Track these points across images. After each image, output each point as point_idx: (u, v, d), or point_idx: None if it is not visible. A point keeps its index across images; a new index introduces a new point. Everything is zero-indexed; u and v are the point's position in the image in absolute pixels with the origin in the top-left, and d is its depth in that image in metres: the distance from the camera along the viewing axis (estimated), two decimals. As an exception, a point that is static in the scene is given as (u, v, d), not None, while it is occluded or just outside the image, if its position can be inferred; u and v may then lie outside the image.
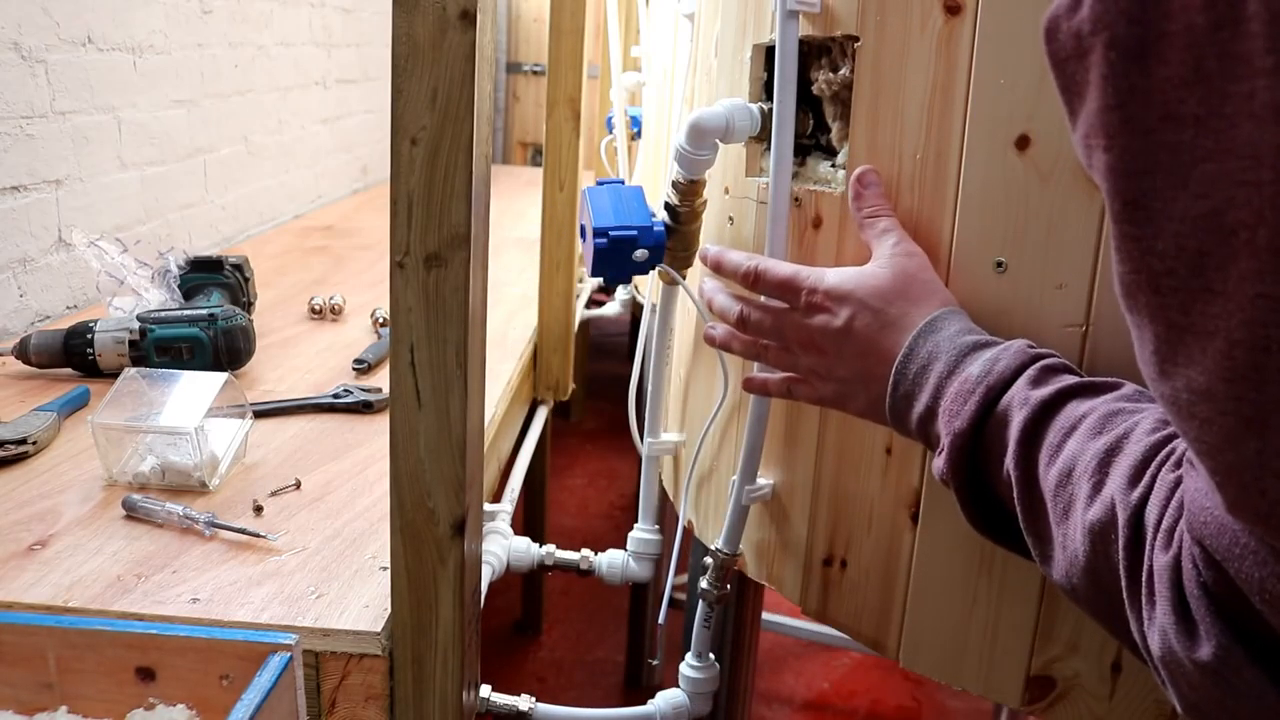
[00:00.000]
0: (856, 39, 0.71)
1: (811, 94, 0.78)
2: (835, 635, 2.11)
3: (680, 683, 0.98)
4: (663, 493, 1.10)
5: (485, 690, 0.92)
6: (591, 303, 2.18)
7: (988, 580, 0.70)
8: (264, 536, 0.82)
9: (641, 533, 1.12)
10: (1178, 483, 0.44)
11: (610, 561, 1.14)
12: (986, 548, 0.71)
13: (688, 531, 0.99)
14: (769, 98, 0.77)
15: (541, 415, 1.58)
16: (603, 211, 0.82)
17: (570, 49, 1.50)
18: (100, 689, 0.64)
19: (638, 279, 1.46)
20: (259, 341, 1.26)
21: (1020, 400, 0.55)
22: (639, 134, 1.67)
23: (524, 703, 0.96)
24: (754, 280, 0.71)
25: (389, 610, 0.72)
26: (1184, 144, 0.33)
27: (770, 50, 0.75)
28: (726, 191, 0.86)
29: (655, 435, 1.03)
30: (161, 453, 0.92)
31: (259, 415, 1.06)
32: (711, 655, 0.98)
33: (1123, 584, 0.46)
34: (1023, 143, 0.64)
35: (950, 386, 0.59)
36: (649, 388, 1.03)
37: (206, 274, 1.32)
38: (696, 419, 0.97)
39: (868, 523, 0.76)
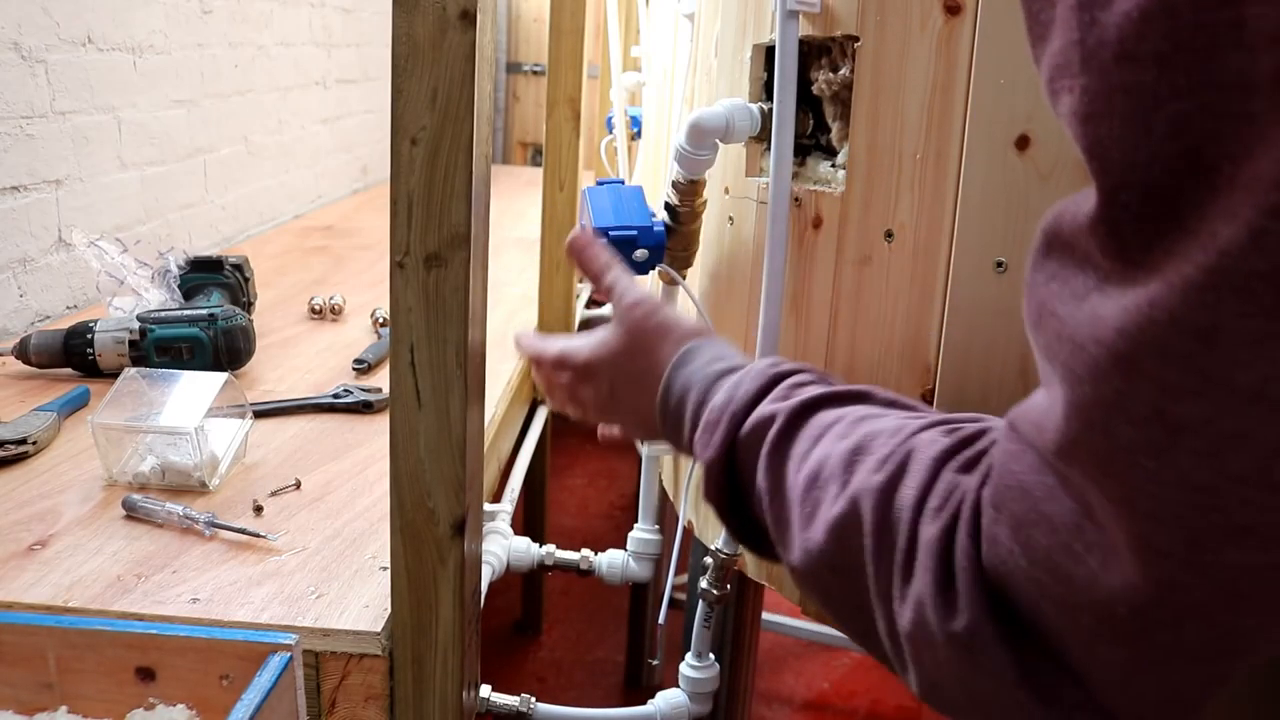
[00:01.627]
0: (856, 39, 0.71)
1: (811, 94, 0.78)
2: (835, 635, 2.11)
3: (680, 683, 0.98)
4: (663, 493, 1.10)
5: (485, 690, 0.92)
6: (591, 303, 2.18)
7: (988, 580, 0.70)
8: (264, 536, 0.82)
9: (641, 533, 1.12)
10: (938, 462, 0.43)
11: (610, 561, 1.14)
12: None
13: (688, 531, 0.99)
14: (769, 98, 0.77)
15: (541, 415, 1.58)
16: (603, 211, 0.82)
17: (570, 49, 1.50)
18: (100, 689, 0.64)
19: (638, 279, 1.46)
20: (259, 341, 1.26)
21: (767, 416, 0.54)
22: (639, 134, 1.67)
23: (524, 703, 0.96)
24: (537, 364, 0.73)
25: (389, 610, 0.72)
26: (1145, 84, 0.29)
27: (770, 50, 0.75)
28: (726, 191, 0.86)
29: (655, 435, 1.03)
30: (161, 453, 0.92)
31: (259, 415, 1.06)
32: (711, 655, 0.98)
33: (869, 570, 0.45)
34: (1023, 143, 0.64)
35: (702, 418, 0.59)
36: (649, 388, 1.03)
37: (206, 274, 1.32)
38: (696, 419, 0.97)
39: (868, 523, 0.76)
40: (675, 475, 1.05)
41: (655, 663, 2.13)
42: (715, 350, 0.63)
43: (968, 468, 0.43)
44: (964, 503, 0.41)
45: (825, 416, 0.52)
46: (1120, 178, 0.31)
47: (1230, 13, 0.27)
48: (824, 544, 0.47)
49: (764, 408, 0.55)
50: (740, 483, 0.56)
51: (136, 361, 1.16)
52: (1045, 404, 0.36)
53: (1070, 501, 0.36)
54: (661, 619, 0.99)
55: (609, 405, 0.68)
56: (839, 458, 0.49)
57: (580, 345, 0.69)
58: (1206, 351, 0.29)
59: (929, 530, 0.42)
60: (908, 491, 0.44)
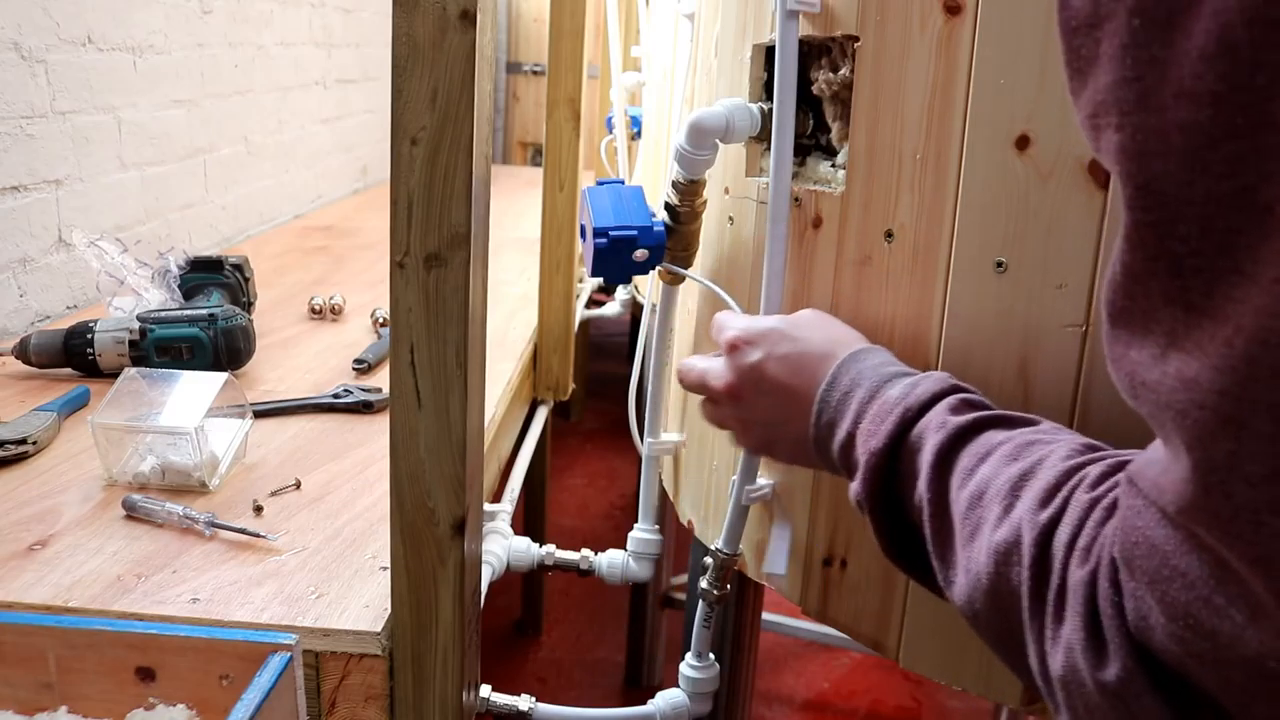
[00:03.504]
0: (856, 39, 0.71)
1: (811, 94, 0.78)
2: (835, 635, 2.11)
3: (680, 683, 0.98)
4: (663, 493, 1.10)
5: (485, 690, 0.92)
6: (591, 303, 2.18)
7: (988, 580, 0.70)
8: (264, 536, 0.82)
9: (641, 533, 1.12)
10: (1093, 503, 0.43)
11: (610, 561, 1.14)
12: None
13: (688, 531, 0.99)
14: (769, 98, 0.77)
15: (541, 415, 1.58)
16: (603, 211, 0.82)
17: (570, 49, 1.50)
18: (100, 689, 0.64)
19: (638, 279, 1.46)
20: (259, 341, 1.26)
21: (937, 424, 0.55)
22: (639, 134, 1.67)
23: (524, 703, 0.96)
24: (689, 371, 0.73)
25: (389, 610, 0.72)
26: (1202, 123, 0.30)
27: (770, 50, 0.75)
28: (726, 191, 0.86)
29: (655, 435, 1.03)
30: (161, 453, 0.92)
31: (259, 415, 1.06)
32: (711, 655, 0.98)
33: (1024, 604, 0.45)
34: (1023, 143, 0.64)
35: (870, 410, 0.59)
36: (649, 388, 1.03)
37: (206, 274, 1.32)
38: (696, 419, 0.97)
39: (867, 523, 0.76)
40: (675, 475, 1.05)
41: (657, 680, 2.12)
42: (888, 356, 0.63)
43: (1112, 511, 0.42)
44: (1105, 550, 0.41)
45: (995, 436, 0.53)
46: (1176, 212, 0.31)
47: None
48: (986, 568, 0.47)
49: (936, 413, 0.55)
50: (899, 483, 0.56)
51: (136, 361, 1.16)
52: (1163, 462, 0.35)
53: (1202, 556, 0.34)
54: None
55: (745, 385, 0.66)
56: (1005, 481, 0.49)
57: (740, 317, 0.68)
58: None
59: (1078, 574, 0.42)
60: (1064, 531, 0.44)
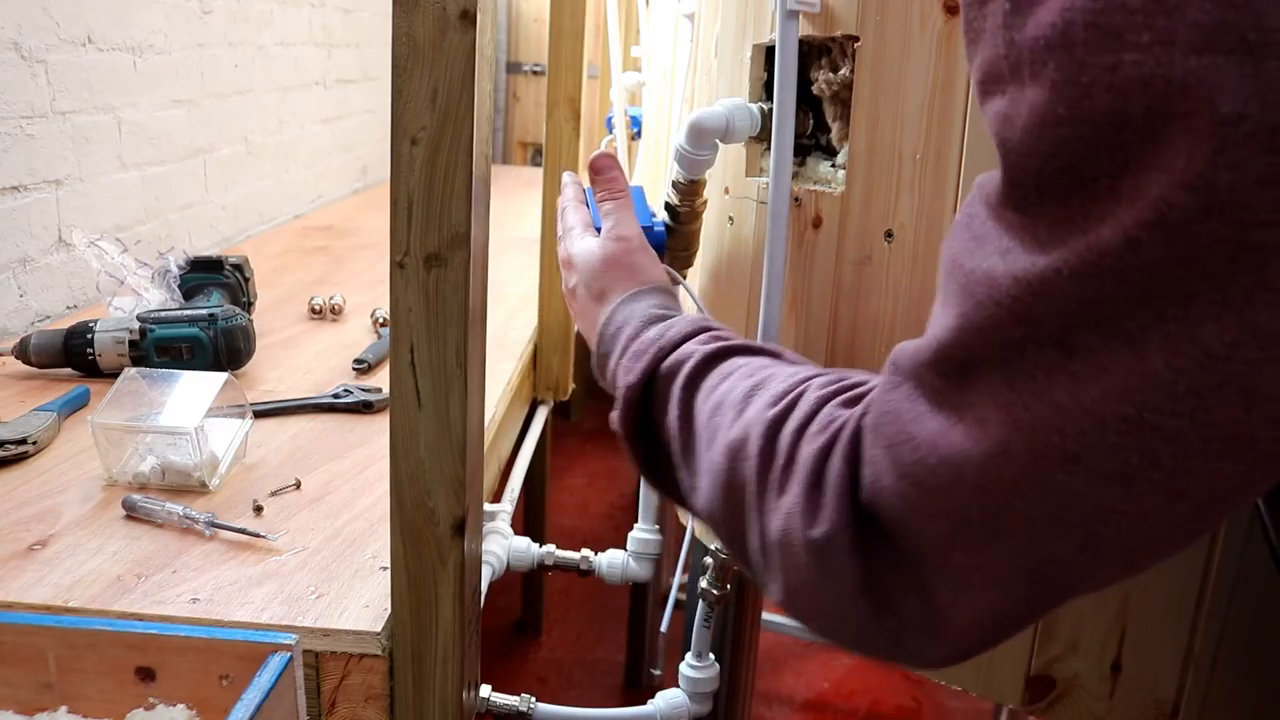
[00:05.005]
0: (856, 39, 0.71)
1: (811, 94, 0.78)
2: (835, 635, 2.10)
3: (680, 683, 0.98)
4: (663, 493, 1.10)
5: (485, 690, 0.92)
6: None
7: (988, 580, 0.70)
8: (264, 536, 0.82)
9: (641, 533, 1.12)
10: (823, 400, 0.49)
11: (610, 561, 1.14)
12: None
13: (689, 532, 0.99)
14: (769, 98, 0.77)
15: (541, 415, 1.58)
16: (603, 211, 0.82)
17: (570, 49, 1.50)
18: (100, 689, 0.64)
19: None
20: (259, 341, 1.26)
21: (687, 354, 0.60)
22: (639, 134, 1.67)
23: (524, 703, 0.96)
24: (561, 212, 0.82)
25: (389, 610, 0.72)
26: (1040, 104, 0.34)
27: (770, 50, 0.75)
28: (726, 191, 0.86)
29: (655, 435, 1.03)
30: (161, 453, 0.92)
31: (259, 415, 1.06)
32: (711, 655, 0.98)
33: (751, 489, 0.49)
34: (1023, 143, 0.64)
35: (630, 348, 0.65)
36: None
37: (206, 274, 1.32)
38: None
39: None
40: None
41: (658, 673, 2.12)
42: (661, 299, 0.70)
43: (850, 403, 0.48)
44: (844, 429, 0.46)
45: (737, 360, 0.58)
46: (1019, 175, 0.36)
47: (1110, 58, 0.31)
48: (720, 465, 0.52)
49: (687, 347, 0.61)
50: (652, 415, 0.61)
51: (136, 361, 1.16)
52: (930, 331, 0.41)
53: (935, 421, 0.40)
54: (664, 626, 0.99)
55: (572, 300, 0.77)
56: (740, 392, 0.54)
57: (576, 240, 0.78)
58: (1086, 313, 0.34)
59: (806, 450, 0.47)
60: (792, 422, 0.48)
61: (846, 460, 0.44)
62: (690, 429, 0.57)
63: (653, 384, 0.61)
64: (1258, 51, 0.29)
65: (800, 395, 0.50)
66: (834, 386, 0.50)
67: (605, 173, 0.79)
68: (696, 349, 0.60)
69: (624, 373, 0.63)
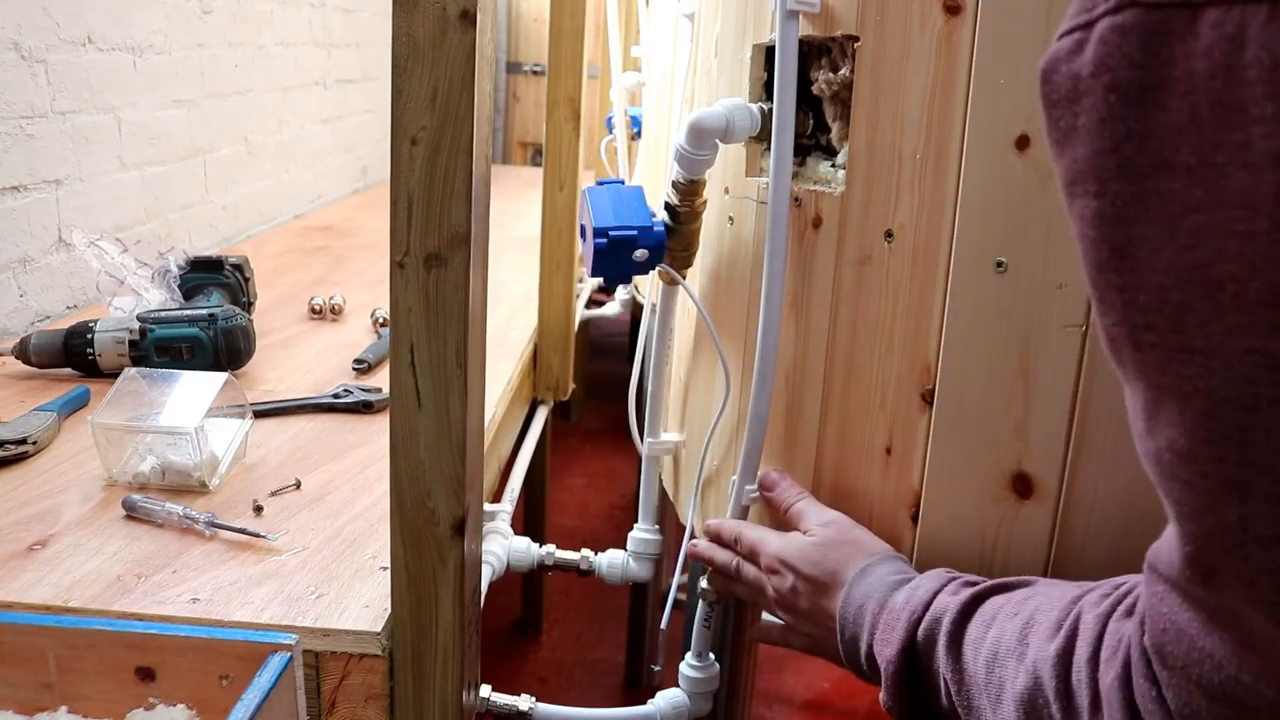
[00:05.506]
0: (856, 39, 0.71)
1: (811, 94, 0.77)
2: (835, 635, 2.11)
3: (680, 682, 0.98)
4: (663, 493, 1.10)
5: (485, 690, 0.92)
6: (591, 303, 2.18)
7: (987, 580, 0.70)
8: (264, 536, 0.82)
9: (641, 533, 1.12)
10: (1103, 617, 0.45)
11: (610, 561, 1.14)
12: (986, 547, 0.70)
13: (689, 531, 0.99)
14: (769, 98, 0.77)
15: (541, 415, 1.58)
16: (603, 211, 0.82)
17: (570, 49, 1.50)
18: (100, 689, 0.64)
19: (638, 279, 1.46)
20: (259, 341, 1.26)
21: (941, 609, 0.58)
22: (639, 134, 1.67)
23: (524, 703, 0.96)
24: (734, 542, 0.79)
25: (389, 610, 0.72)
26: (1175, 193, 0.32)
27: (770, 50, 0.75)
28: (726, 191, 0.86)
29: (655, 435, 1.03)
30: (161, 453, 0.92)
31: (259, 415, 1.06)
32: (711, 655, 0.98)
33: None
34: (1023, 143, 0.64)
35: (881, 619, 0.63)
36: (649, 388, 1.03)
37: (206, 274, 1.32)
38: (696, 419, 0.97)
39: (868, 522, 0.76)
40: (675, 475, 1.05)
41: (658, 668, 2.12)
42: (897, 565, 0.67)
43: (1130, 613, 0.44)
44: (1132, 646, 0.42)
45: (996, 601, 0.55)
46: (1142, 279, 0.33)
47: (1240, 134, 0.30)
48: (1015, 716, 0.49)
49: (939, 603, 0.58)
50: (923, 681, 0.59)
51: (136, 361, 1.16)
52: (1175, 538, 0.37)
53: (1223, 635, 0.36)
54: (664, 624, 0.99)
55: (790, 601, 0.72)
56: (1013, 636, 0.51)
57: (775, 539, 0.74)
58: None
59: (1108, 679, 0.43)
60: (1082, 650, 0.45)
61: (1150, 680, 0.41)
62: (968, 690, 0.54)
63: (914, 652, 0.59)
64: None
65: (1078, 620, 0.47)
66: (1109, 601, 0.47)
67: (776, 488, 0.78)
68: (949, 601, 0.58)
69: (881, 645, 0.61)
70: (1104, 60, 0.33)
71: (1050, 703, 0.46)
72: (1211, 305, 0.31)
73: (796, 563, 0.71)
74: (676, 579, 0.99)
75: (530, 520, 2.16)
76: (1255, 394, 0.31)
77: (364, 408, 1.13)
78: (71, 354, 1.18)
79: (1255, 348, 0.30)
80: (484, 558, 1.03)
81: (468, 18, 0.61)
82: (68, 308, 1.53)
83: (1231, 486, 0.32)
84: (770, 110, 0.75)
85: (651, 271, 0.86)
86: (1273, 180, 0.29)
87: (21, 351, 1.18)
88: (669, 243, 0.85)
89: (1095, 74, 0.33)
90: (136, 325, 1.17)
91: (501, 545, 1.09)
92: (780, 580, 0.72)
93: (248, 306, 1.33)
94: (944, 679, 0.56)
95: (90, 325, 1.18)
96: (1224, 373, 0.31)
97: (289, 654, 0.63)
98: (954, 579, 0.61)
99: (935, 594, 0.60)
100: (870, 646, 0.63)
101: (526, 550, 1.13)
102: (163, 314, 1.19)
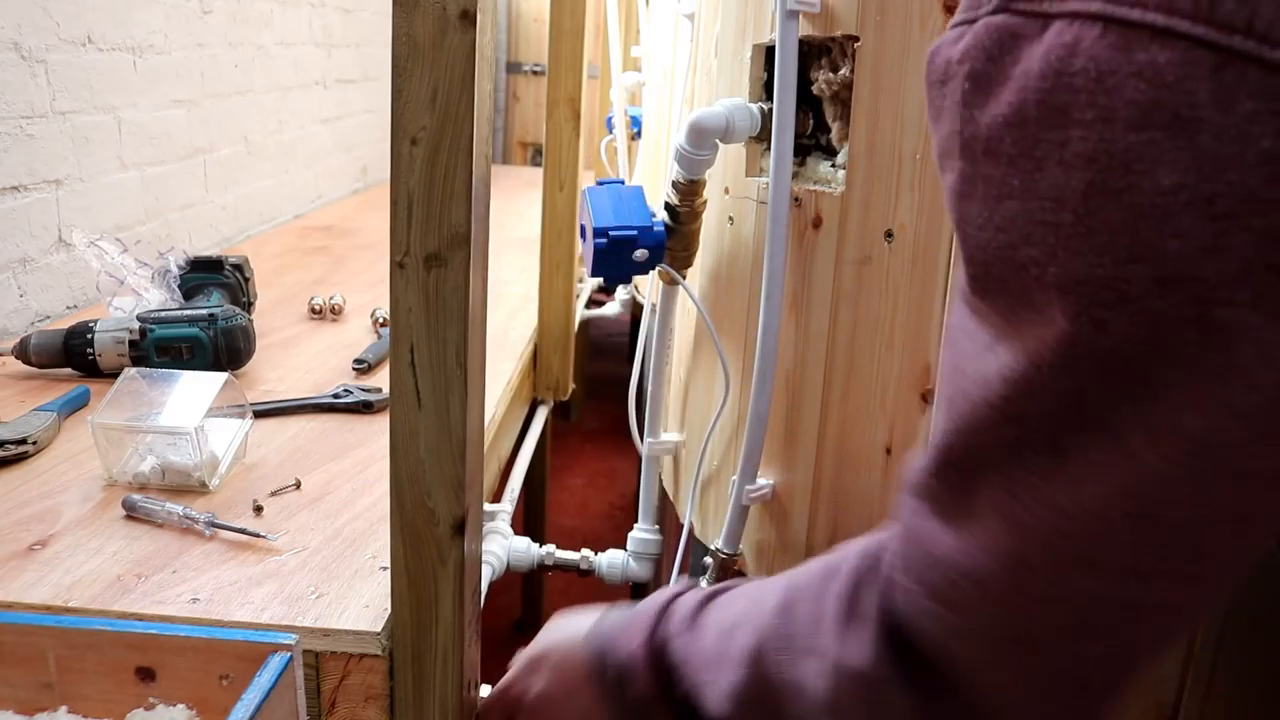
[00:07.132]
0: (856, 39, 0.71)
1: (811, 94, 0.78)
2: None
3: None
4: (663, 492, 1.10)
5: (485, 690, 0.92)
6: (591, 303, 2.18)
7: (988, 580, 0.70)
8: (264, 536, 0.82)
9: (641, 533, 1.12)
10: (856, 568, 0.47)
11: (610, 561, 1.14)
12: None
13: (689, 531, 0.99)
14: (769, 98, 0.77)
15: (541, 415, 1.58)
16: (603, 211, 0.82)
17: (570, 49, 1.50)
18: (100, 689, 0.64)
19: (638, 279, 1.46)
20: (259, 341, 1.26)
21: (685, 600, 0.60)
22: (639, 134, 1.67)
23: (524, 703, 0.96)
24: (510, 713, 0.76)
25: (389, 610, 0.72)
26: (995, 178, 0.35)
27: (770, 50, 0.75)
28: (726, 191, 0.86)
29: (655, 435, 1.03)
30: (161, 453, 0.92)
31: (259, 415, 1.06)
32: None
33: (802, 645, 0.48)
34: (1023, 143, 0.64)
35: (627, 624, 0.63)
36: (649, 388, 1.03)
37: (206, 274, 1.32)
38: (696, 419, 0.97)
39: (868, 522, 0.76)
40: (675, 475, 1.05)
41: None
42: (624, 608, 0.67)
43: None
44: (884, 565, 0.45)
45: (743, 587, 0.57)
46: (974, 252, 0.37)
47: (1060, 134, 0.32)
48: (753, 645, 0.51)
49: (683, 598, 0.60)
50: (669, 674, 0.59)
51: (136, 361, 1.16)
52: (930, 439, 0.41)
53: (949, 536, 0.39)
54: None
55: (552, 688, 0.71)
56: (752, 602, 0.53)
57: (516, 667, 0.74)
58: (1071, 410, 0.34)
59: (863, 595, 0.46)
60: (836, 585, 0.48)
61: (877, 591, 0.44)
62: (701, 664, 0.55)
63: (660, 644, 0.59)
64: (1190, 127, 0.30)
65: (842, 559, 0.49)
66: (872, 540, 0.49)
67: (493, 707, 0.75)
68: (693, 594, 0.59)
69: (628, 641, 0.61)
70: (969, 51, 0.36)
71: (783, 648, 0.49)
72: (1019, 285, 0.34)
73: (524, 658, 0.72)
74: (675, 579, 0.99)
75: (530, 520, 2.15)
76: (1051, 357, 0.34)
77: (364, 408, 1.13)
78: (71, 354, 1.18)
79: (1042, 334, 0.34)
80: (484, 558, 1.03)
81: (468, 18, 0.61)
82: (68, 308, 1.53)
83: (1010, 418, 0.36)
84: (770, 110, 0.75)
85: (651, 271, 0.86)
86: (1082, 179, 0.32)
87: (21, 351, 1.18)
88: (669, 243, 0.85)
89: (960, 61, 0.37)
90: (136, 325, 1.17)
91: (501, 545, 1.09)
92: (537, 680, 0.72)
93: (248, 306, 1.33)
94: (682, 661, 0.57)
95: (90, 325, 1.18)
96: (1035, 331, 0.34)
97: (289, 654, 0.63)
98: (688, 589, 0.62)
99: (679, 593, 0.61)
100: (619, 653, 0.63)
101: (526, 550, 1.13)
102: (163, 314, 1.19)
